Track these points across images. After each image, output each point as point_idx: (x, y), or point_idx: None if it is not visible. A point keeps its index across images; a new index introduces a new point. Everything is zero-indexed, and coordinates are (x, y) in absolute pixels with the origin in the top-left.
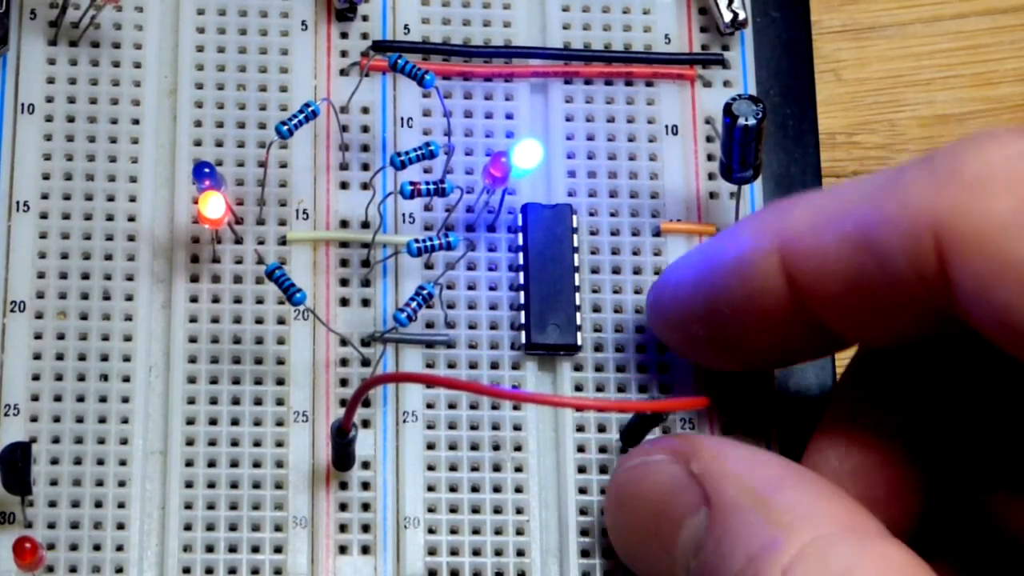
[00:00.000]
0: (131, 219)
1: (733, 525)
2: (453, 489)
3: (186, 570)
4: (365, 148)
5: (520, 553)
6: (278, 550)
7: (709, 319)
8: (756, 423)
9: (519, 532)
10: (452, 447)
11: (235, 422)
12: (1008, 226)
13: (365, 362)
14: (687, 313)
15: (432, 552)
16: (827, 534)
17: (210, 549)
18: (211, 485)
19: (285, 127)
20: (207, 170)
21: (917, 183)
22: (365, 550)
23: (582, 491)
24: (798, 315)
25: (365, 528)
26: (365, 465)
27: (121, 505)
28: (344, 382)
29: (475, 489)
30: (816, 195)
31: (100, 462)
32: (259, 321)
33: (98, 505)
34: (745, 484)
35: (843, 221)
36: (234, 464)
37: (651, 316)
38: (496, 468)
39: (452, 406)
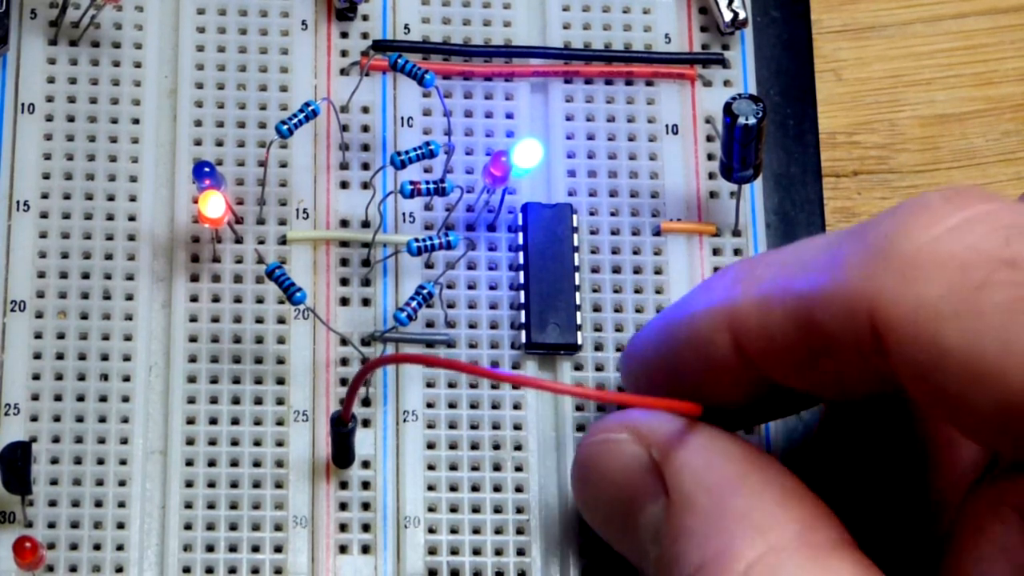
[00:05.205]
0: (131, 219)
1: (688, 524)
2: (453, 488)
3: (186, 569)
4: (365, 148)
5: (520, 552)
6: (278, 549)
7: (668, 371)
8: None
9: (519, 531)
10: (452, 446)
11: (235, 421)
12: (940, 313)
13: (365, 362)
14: (650, 365)
15: (432, 551)
16: (778, 547)
17: (210, 548)
18: (211, 484)
19: (285, 127)
20: (207, 169)
21: (851, 261)
22: (365, 549)
23: None
24: (751, 375)
25: (365, 527)
26: (365, 464)
27: (121, 504)
28: (344, 382)
29: (475, 488)
30: (766, 262)
31: (100, 461)
32: (259, 321)
33: (98, 504)
34: (703, 481)
35: (786, 296)
36: (234, 463)
37: (621, 373)
38: (496, 467)
39: (452, 405)
